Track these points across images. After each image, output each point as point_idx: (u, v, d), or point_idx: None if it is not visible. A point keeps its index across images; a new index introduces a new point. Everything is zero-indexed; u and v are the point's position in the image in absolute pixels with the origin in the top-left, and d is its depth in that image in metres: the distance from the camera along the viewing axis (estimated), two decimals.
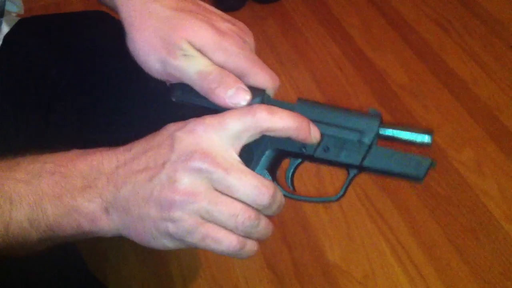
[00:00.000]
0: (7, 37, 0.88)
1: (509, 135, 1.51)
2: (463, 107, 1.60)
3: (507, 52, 1.76)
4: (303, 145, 0.51)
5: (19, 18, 0.93)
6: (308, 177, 1.43)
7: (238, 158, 0.48)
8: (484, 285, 1.21)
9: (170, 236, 0.47)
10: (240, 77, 0.53)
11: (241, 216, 0.47)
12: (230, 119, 0.48)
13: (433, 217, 1.34)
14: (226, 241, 0.47)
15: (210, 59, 0.52)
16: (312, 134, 0.50)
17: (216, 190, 0.47)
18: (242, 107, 0.50)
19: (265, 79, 0.53)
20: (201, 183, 0.46)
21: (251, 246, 0.49)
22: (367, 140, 0.51)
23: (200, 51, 0.52)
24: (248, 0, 2.04)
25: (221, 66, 0.52)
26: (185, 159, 0.46)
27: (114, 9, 0.59)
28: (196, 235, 0.46)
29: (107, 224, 0.49)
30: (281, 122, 0.48)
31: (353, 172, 0.53)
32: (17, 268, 0.65)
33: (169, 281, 1.26)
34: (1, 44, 0.87)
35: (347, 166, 0.52)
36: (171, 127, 0.49)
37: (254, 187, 0.47)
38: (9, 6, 0.90)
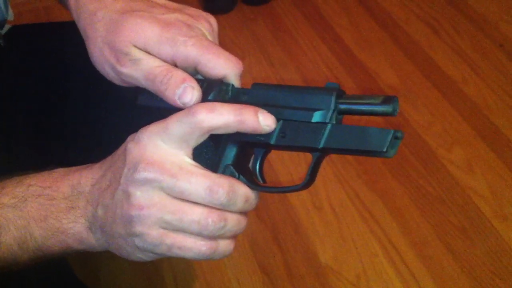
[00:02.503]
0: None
1: (499, 134, 1.51)
2: (453, 106, 1.61)
3: (496, 51, 1.77)
4: (259, 134, 0.48)
5: (10, 26, 0.92)
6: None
7: (190, 161, 0.47)
8: (475, 283, 1.21)
9: (140, 249, 0.46)
10: (195, 68, 0.51)
11: (204, 220, 0.45)
12: (172, 123, 0.46)
13: (424, 216, 1.34)
14: (195, 248, 0.46)
15: (157, 55, 0.51)
16: (262, 123, 0.47)
17: (172, 197, 0.45)
18: (183, 110, 0.47)
19: (220, 65, 0.50)
20: (153, 193, 0.45)
21: (225, 246, 0.48)
22: (323, 118, 0.47)
23: (145, 50, 0.51)
24: (238, 2, 2.04)
25: (171, 59, 0.51)
26: (134, 171, 0.45)
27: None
28: (162, 247, 0.46)
29: (94, 241, 0.49)
30: (222, 118, 0.45)
31: (315, 155, 0.48)
32: (4, 283, 0.64)
33: (163, 287, 1.26)
34: None
35: (308, 150, 0.48)
36: (128, 138, 0.48)
37: (206, 187, 0.45)
38: None
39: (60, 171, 0.50)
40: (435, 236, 1.30)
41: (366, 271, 1.25)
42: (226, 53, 0.51)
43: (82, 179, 0.49)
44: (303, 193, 1.40)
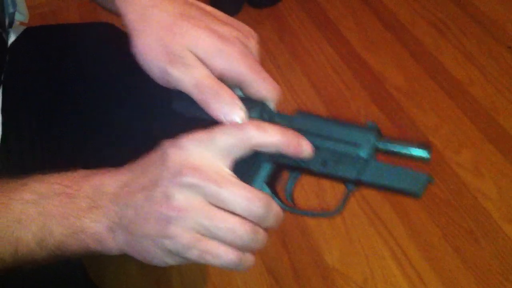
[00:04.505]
0: (13, 46, 0.88)
1: (506, 136, 1.51)
2: (460, 108, 1.60)
3: (503, 52, 1.76)
4: (297, 159, 0.50)
5: (24, 27, 0.93)
6: (308, 184, 1.43)
7: (230, 172, 0.48)
8: (483, 286, 1.21)
9: (169, 252, 0.47)
10: (240, 85, 0.52)
11: (239, 230, 0.46)
12: (220, 134, 0.47)
13: (431, 219, 1.34)
14: (225, 256, 0.47)
15: (210, 66, 0.52)
16: (303, 149, 0.50)
17: (212, 204, 0.46)
18: (232, 123, 0.49)
19: (265, 89, 0.52)
20: (194, 198, 0.46)
21: (249, 258, 0.49)
22: (364, 154, 0.50)
23: (200, 59, 0.52)
24: (244, 5, 2.04)
25: (221, 73, 0.52)
26: (176, 175, 0.46)
27: (116, 14, 0.59)
28: (194, 251, 0.46)
29: (112, 243, 0.49)
30: (270, 139, 0.48)
31: (350, 186, 0.52)
32: (16, 275, 0.65)
33: None
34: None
35: (344, 180, 0.52)
36: (164, 144, 0.49)
37: (247, 198, 0.46)
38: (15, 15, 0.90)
39: (81, 172, 0.51)
40: (442, 239, 1.30)
41: (373, 274, 1.25)
42: (271, 78, 0.53)
43: (106, 181, 0.49)
44: (311, 197, 1.40)
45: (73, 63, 0.89)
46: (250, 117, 0.51)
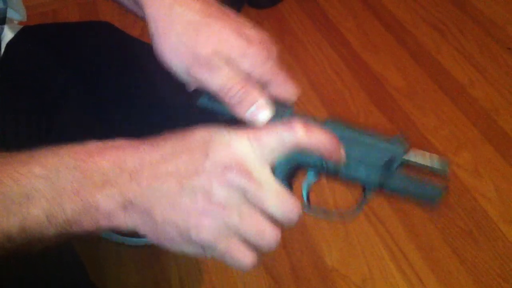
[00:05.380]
0: (10, 44, 0.88)
1: (506, 137, 1.51)
2: (460, 109, 1.60)
3: (503, 54, 1.76)
4: (326, 161, 0.51)
5: (21, 26, 0.93)
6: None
7: (271, 173, 0.48)
8: (482, 287, 1.21)
9: (191, 243, 0.46)
10: (263, 86, 0.53)
11: (268, 235, 0.46)
12: (268, 134, 0.47)
13: (431, 220, 1.34)
14: (243, 259, 0.47)
15: (236, 68, 0.52)
16: (341, 154, 0.50)
17: (249, 204, 0.46)
18: (279, 123, 0.48)
19: (287, 90, 0.53)
20: (235, 196, 0.45)
21: (256, 258, 0.49)
22: (392, 165, 0.52)
23: (226, 60, 0.52)
24: (244, 6, 2.04)
25: (247, 75, 0.52)
26: (222, 171, 0.45)
27: (137, 13, 0.58)
28: (217, 248, 0.46)
29: (123, 221, 0.47)
30: (317, 141, 0.48)
31: (369, 192, 0.53)
32: (17, 276, 0.65)
33: None
34: (4, 51, 0.87)
35: (364, 186, 0.53)
36: (203, 133, 0.48)
37: (287, 206, 0.46)
38: (11, 14, 0.90)
39: (94, 145, 0.49)
40: (441, 240, 1.30)
41: (372, 274, 1.25)
42: (292, 80, 0.54)
43: (127, 158, 0.47)
44: (310, 196, 1.39)
45: (71, 61, 0.89)
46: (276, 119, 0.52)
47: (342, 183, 0.54)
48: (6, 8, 0.84)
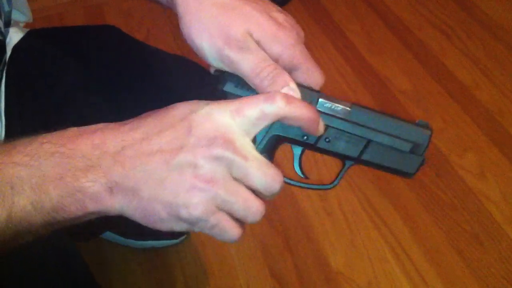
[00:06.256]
0: (16, 47, 0.88)
1: (511, 140, 1.51)
2: (465, 112, 1.60)
3: (508, 56, 1.76)
4: (305, 134, 0.52)
5: (27, 29, 0.94)
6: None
7: (253, 146, 0.48)
8: None
9: (181, 220, 0.47)
10: (292, 70, 0.53)
11: (253, 207, 0.47)
12: (249, 106, 0.47)
13: (436, 223, 1.34)
14: (230, 232, 0.47)
15: (266, 50, 0.52)
16: (320, 126, 0.51)
17: (233, 178, 0.46)
18: (261, 94, 0.49)
19: (314, 77, 0.54)
20: (220, 170, 0.46)
21: (242, 230, 0.50)
22: (419, 150, 0.54)
23: (257, 42, 0.52)
24: None
25: (276, 58, 0.53)
26: (207, 144, 0.45)
27: None
28: (206, 223, 0.46)
29: (110, 204, 0.47)
30: (297, 112, 0.48)
31: (349, 163, 0.55)
32: (21, 277, 0.65)
33: None
34: (11, 54, 0.87)
35: (344, 158, 0.54)
36: (183, 108, 0.48)
37: (271, 176, 0.47)
38: (17, 16, 0.90)
39: (74, 130, 0.49)
40: (447, 242, 1.30)
41: (377, 278, 1.25)
42: (319, 66, 0.55)
43: (108, 140, 0.47)
44: (315, 199, 1.40)
45: (77, 65, 0.89)
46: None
47: (323, 154, 0.55)
48: (11, 11, 0.85)
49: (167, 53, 0.98)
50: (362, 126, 0.52)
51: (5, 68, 0.85)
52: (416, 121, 0.55)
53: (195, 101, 0.48)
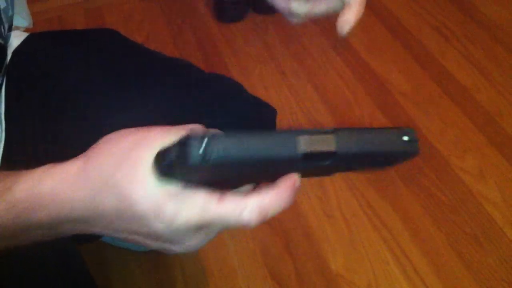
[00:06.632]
0: (17, 51, 0.89)
1: (511, 141, 1.51)
2: (465, 114, 1.60)
3: (508, 58, 1.76)
4: None
5: (28, 33, 0.94)
6: (311, 188, 1.43)
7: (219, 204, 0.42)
8: None
9: (160, 246, 0.45)
10: None
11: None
12: (219, 220, 0.42)
13: (436, 225, 1.34)
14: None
15: None
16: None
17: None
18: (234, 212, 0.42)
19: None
20: (211, 236, 0.44)
21: None
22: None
23: None
24: (249, 11, 2.05)
25: None
26: (186, 236, 0.42)
27: None
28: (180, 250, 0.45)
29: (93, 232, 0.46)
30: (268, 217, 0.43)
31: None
32: (21, 280, 0.65)
33: None
34: (11, 57, 0.87)
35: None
36: (145, 208, 0.41)
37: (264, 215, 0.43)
38: (18, 21, 0.90)
39: (24, 194, 0.45)
40: (447, 244, 1.30)
41: (377, 280, 1.25)
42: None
43: (66, 211, 0.43)
44: (315, 201, 1.40)
45: (78, 68, 0.90)
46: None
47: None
48: (13, 15, 0.85)
49: (166, 56, 0.98)
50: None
51: (6, 71, 0.85)
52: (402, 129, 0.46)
53: (155, 199, 0.41)
